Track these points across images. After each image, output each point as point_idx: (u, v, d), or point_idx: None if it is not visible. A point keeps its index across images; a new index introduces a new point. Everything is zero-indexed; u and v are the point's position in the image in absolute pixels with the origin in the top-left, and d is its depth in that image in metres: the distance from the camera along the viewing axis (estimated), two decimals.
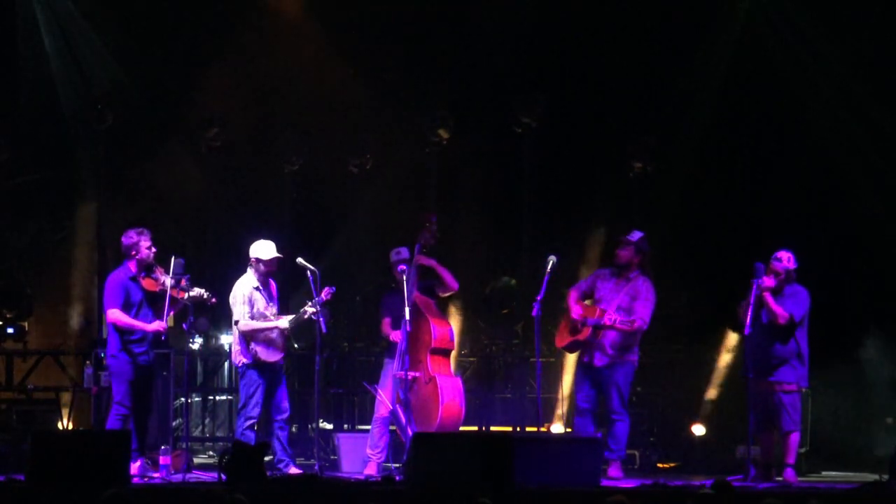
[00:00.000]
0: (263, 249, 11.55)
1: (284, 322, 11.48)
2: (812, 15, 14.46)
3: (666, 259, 14.79)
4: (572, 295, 11.71)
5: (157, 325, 11.17)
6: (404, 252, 11.92)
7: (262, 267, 11.54)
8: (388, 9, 15.36)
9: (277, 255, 11.55)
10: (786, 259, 11.34)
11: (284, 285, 12.27)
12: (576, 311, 11.58)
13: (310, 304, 11.50)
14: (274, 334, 11.47)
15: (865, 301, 14.03)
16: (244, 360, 11.45)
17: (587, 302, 11.80)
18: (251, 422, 11.40)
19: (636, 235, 11.68)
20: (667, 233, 14.86)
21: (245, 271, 11.62)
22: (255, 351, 11.41)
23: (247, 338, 11.46)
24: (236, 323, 11.50)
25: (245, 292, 11.52)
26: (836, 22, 14.26)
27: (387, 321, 11.97)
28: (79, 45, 15.41)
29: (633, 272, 11.63)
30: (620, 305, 11.46)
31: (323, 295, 11.52)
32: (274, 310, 11.58)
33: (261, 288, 11.57)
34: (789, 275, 11.31)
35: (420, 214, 12.07)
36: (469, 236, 15.24)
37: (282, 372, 11.60)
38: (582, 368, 11.67)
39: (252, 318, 11.46)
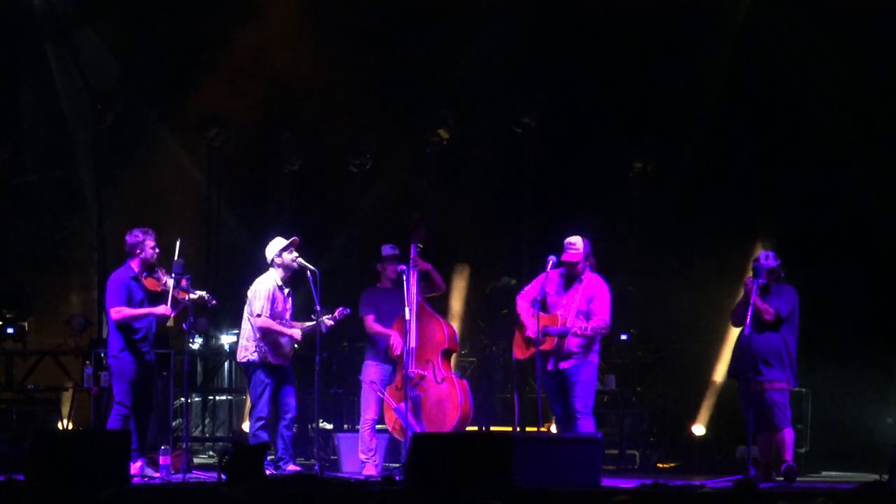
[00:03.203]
0: (272, 246, 11.54)
1: (298, 333, 11.47)
2: (812, 15, 14.47)
3: (666, 259, 14.85)
4: (523, 306, 11.33)
5: (163, 309, 11.10)
6: (398, 248, 11.90)
7: (280, 267, 11.52)
8: (388, 8, 15.37)
9: (289, 252, 11.46)
10: (763, 258, 11.35)
11: None
12: (532, 328, 11.21)
13: (328, 317, 11.52)
14: (284, 339, 11.46)
15: (865, 300, 14.03)
16: (251, 358, 11.43)
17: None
18: (262, 422, 11.37)
19: (582, 242, 11.26)
20: (667, 232, 14.90)
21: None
22: (264, 350, 11.38)
23: (259, 335, 11.45)
24: (258, 316, 11.42)
25: (269, 287, 11.46)
26: (837, 22, 14.27)
27: (370, 317, 11.90)
28: (79, 45, 15.44)
29: (584, 273, 11.34)
30: (580, 310, 11.15)
31: (337, 314, 11.57)
32: (289, 314, 11.54)
33: (283, 287, 11.54)
34: (772, 272, 11.30)
35: (411, 215, 11.98)
36: (469, 236, 15.24)
37: (290, 372, 11.55)
38: (549, 377, 11.35)
39: (271, 316, 11.46)
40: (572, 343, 11.15)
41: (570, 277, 11.32)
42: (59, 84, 15.36)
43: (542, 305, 11.32)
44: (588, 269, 11.33)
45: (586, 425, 11.19)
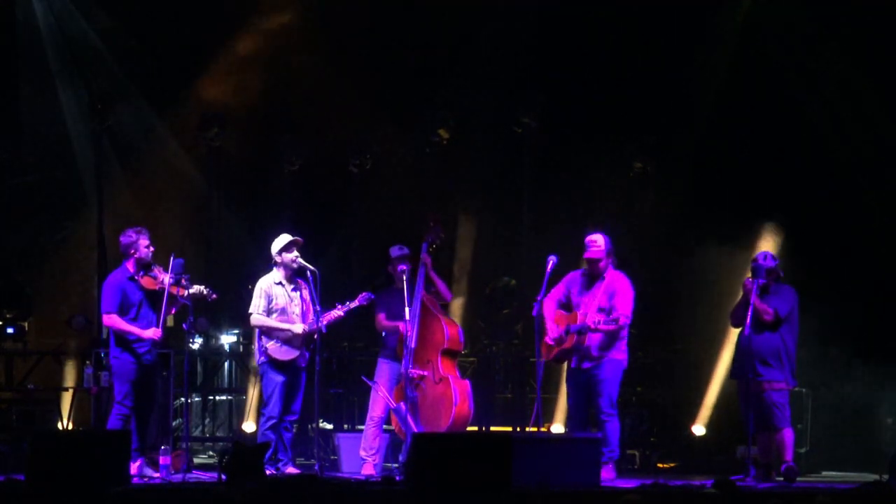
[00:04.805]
0: (276, 244, 11.53)
1: (298, 328, 11.41)
2: (812, 14, 14.46)
3: (666, 258, 14.84)
4: (548, 308, 11.39)
5: (152, 333, 11.10)
6: (406, 249, 11.91)
7: (281, 265, 11.51)
8: (387, 9, 15.37)
9: (289, 251, 11.44)
10: (761, 258, 11.35)
11: None
12: (553, 330, 11.30)
13: (339, 306, 11.52)
14: (290, 334, 11.44)
15: (866, 299, 14.03)
16: (260, 360, 11.45)
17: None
18: (272, 422, 11.35)
19: (603, 239, 11.37)
20: (667, 232, 14.89)
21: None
22: (267, 348, 11.38)
23: (262, 334, 11.43)
24: (249, 315, 11.47)
25: (263, 285, 11.47)
26: (837, 22, 14.26)
27: (382, 315, 11.90)
28: (79, 45, 15.43)
29: (607, 270, 11.39)
30: (601, 306, 11.18)
31: (358, 300, 11.56)
32: (298, 309, 11.49)
33: (284, 284, 11.51)
34: (770, 273, 11.29)
35: (426, 214, 12.01)
36: (469, 236, 15.23)
37: (302, 373, 11.50)
38: (571, 375, 11.44)
39: (268, 312, 11.42)
40: (593, 341, 11.20)
41: (593, 276, 11.38)
42: (59, 84, 15.35)
43: (567, 306, 11.40)
44: (611, 267, 11.36)
45: (612, 429, 11.25)
